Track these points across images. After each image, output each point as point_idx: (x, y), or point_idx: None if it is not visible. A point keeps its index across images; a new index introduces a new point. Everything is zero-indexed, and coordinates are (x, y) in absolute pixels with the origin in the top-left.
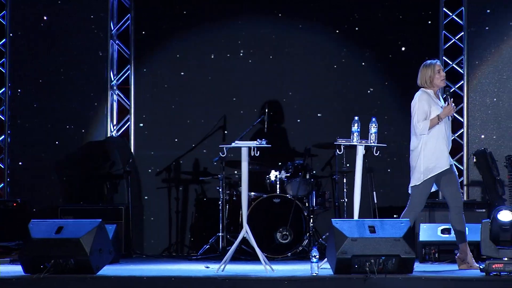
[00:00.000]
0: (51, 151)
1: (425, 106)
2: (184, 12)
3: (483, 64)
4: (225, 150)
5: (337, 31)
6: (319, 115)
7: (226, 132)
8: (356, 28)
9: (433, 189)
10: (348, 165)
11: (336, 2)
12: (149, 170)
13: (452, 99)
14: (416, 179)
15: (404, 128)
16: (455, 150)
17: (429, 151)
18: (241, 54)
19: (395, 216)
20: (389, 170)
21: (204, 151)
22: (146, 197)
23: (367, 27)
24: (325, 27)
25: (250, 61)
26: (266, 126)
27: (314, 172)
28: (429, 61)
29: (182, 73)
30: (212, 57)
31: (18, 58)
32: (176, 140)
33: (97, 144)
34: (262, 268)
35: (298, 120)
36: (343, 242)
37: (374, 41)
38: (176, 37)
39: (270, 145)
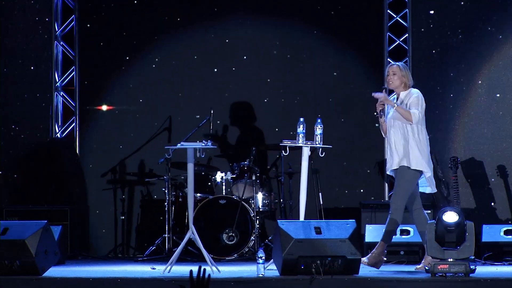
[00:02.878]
0: None
1: None
2: (128, 15)
3: (427, 65)
4: (171, 151)
5: (282, 34)
6: (265, 116)
7: (171, 133)
8: (300, 32)
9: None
10: (294, 166)
11: (280, 4)
12: (95, 172)
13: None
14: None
15: (349, 129)
16: None
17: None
18: (186, 57)
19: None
20: (334, 172)
21: (150, 152)
22: (91, 199)
23: (311, 29)
24: (270, 28)
25: (195, 62)
26: (211, 128)
27: (260, 173)
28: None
29: (127, 75)
30: (157, 59)
31: None
32: (121, 141)
33: (42, 145)
34: (208, 269)
35: (244, 122)
36: (289, 243)
37: (319, 43)
38: (122, 38)
39: (215, 146)
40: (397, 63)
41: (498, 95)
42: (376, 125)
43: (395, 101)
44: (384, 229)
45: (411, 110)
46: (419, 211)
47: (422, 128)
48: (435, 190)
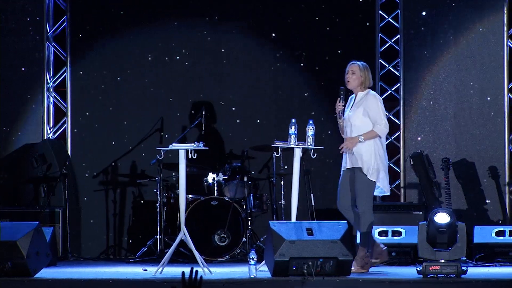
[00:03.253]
0: None
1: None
2: (121, 13)
3: (419, 67)
4: (162, 152)
5: (274, 34)
6: (257, 118)
7: (163, 134)
8: (293, 31)
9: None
10: (285, 167)
11: (272, 5)
12: (86, 173)
13: (342, 96)
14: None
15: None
16: (392, 152)
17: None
18: (178, 57)
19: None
20: (326, 173)
21: (142, 153)
22: (83, 200)
23: (303, 30)
24: (261, 29)
25: (186, 63)
26: (203, 129)
27: (251, 174)
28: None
29: (119, 76)
30: (149, 59)
31: None
32: (113, 142)
33: (34, 146)
34: (200, 271)
35: (237, 121)
36: (281, 244)
37: (311, 44)
38: (113, 39)
39: (207, 148)
40: (357, 62)
41: (489, 97)
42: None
43: (352, 101)
44: (360, 233)
45: (374, 128)
46: (348, 212)
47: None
48: (389, 193)
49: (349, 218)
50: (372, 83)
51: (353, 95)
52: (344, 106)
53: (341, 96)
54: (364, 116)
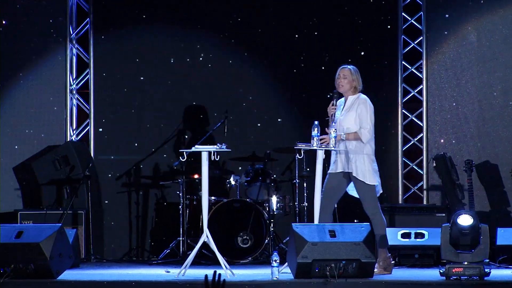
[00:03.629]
0: (10, 155)
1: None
2: (144, 16)
3: (442, 69)
4: (185, 154)
5: (297, 36)
6: (279, 119)
7: (186, 136)
8: (316, 33)
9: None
10: (308, 169)
11: (295, 6)
12: (109, 175)
13: (334, 99)
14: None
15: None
16: (415, 154)
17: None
18: (200, 59)
19: (355, 220)
20: None
21: (164, 155)
22: (106, 202)
23: (326, 31)
24: (285, 31)
25: (209, 65)
26: (226, 131)
27: (274, 176)
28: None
29: (142, 78)
30: (172, 61)
31: None
32: (136, 144)
33: (57, 148)
34: (222, 273)
35: (258, 125)
36: (303, 246)
37: (333, 45)
38: (136, 41)
39: (230, 150)
40: (348, 66)
41: None
42: (389, 124)
43: (342, 105)
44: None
45: (359, 130)
46: (329, 215)
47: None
48: (381, 191)
49: (328, 221)
50: (362, 87)
51: (343, 99)
52: (335, 109)
53: (334, 99)
54: (356, 120)
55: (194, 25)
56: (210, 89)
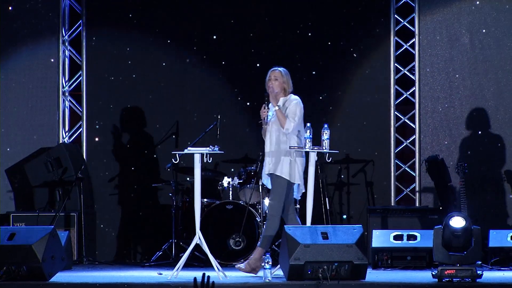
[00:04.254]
0: (2, 157)
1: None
2: (135, 20)
3: (434, 71)
4: (178, 156)
5: (290, 37)
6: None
7: (178, 138)
8: (309, 34)
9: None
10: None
11: (289, 7)
12: (102, 177)
13: (267, 102)
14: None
15: (356, 134)
16: (407, 156)
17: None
18: (193, 61)
19: (343, 216)
20: (342, 176)
21: (156, 157)
22: (98, 204)
23: (319, 33)
24: (277, 32)
25: (202, 67)
26: (218, 133)
27: None
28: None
29: (134, 80)
30: (164, 64)
31: None
32: (128, 146)
33: (49, 150)
34: (215, 275)
35: (252, 126)
36: (296, 248)
37: (326, 47)
38: (128, 44)
39: (222, 152)
40: (279, 68)
41: (504, 101)
42: (381, 126)
43: (273, 109)
44: (262, 235)
45: (287, 120)
46: (292, 216)
47: (295, 137)
48: (299, 197)
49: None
50: (292, 88)
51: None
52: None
53: (266, 102)
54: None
55: (187, 27)
56: (203, 91)
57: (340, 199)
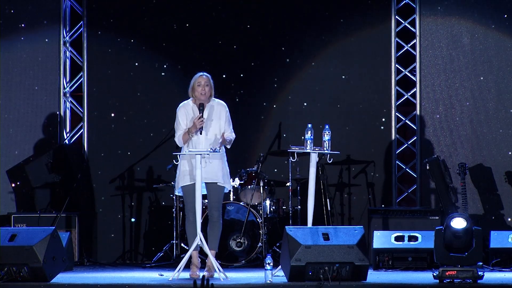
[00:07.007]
0: (3, 158)
1: (182, 117)
2: (137, 21)
3: (435, 72)
4: (179, 157)
5: (288, 37)
6: (273, 122)
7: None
8: (308, 35)
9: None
10: (302, 172)
11: (288, 6)
12: (103, 178)
13: (203, 111)
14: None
15: (357, 135)
16: (408, 157)
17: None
18: (195, 63)
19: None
20: (342, 177)
21: (158, 158)
22: (99, 205)
23: (319, 34)
24: (276, 31)
25: (203, 68)
26: None
27: (268, 179)
28: (197, 73)
29: (135, 80)
30: (165, 66)
31: None
32: (129, 147)
33: (50, 151)
34: (216, 276)
35: (252, 128)
36: (297, 249)
37: (327, 48)
38: (130, 45)
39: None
40: (205, 73)
41: (505, 102)
42: (382, 127)
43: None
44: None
45: (230, 135)
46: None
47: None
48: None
49: None
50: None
51: (193, 105)
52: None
53: (201, 111)
54: (221, 126)
55: (189, 30)
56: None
57: (341, 200)
